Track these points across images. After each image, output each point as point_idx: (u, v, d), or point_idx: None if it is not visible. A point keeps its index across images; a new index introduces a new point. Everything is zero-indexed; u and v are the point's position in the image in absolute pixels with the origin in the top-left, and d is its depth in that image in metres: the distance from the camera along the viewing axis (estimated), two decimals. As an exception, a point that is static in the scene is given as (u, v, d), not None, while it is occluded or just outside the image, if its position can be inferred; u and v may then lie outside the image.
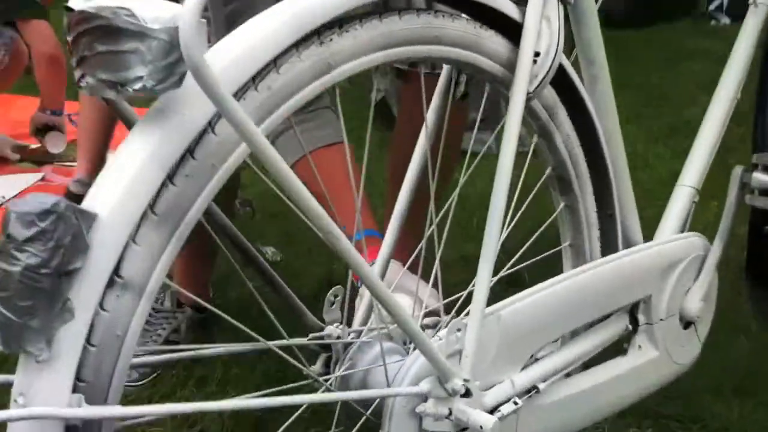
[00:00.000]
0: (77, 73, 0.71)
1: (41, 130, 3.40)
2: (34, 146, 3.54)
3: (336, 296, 1.05)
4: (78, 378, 0.70)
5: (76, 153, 2.71)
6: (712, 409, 1.74)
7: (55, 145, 3.37)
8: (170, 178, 0.72)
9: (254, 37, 0.78)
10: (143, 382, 1.82)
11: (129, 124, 0.78)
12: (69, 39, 0.70)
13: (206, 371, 1.86)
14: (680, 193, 1.44)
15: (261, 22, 0.80)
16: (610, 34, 1.31)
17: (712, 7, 7.09)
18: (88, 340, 0.70)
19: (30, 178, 3.22)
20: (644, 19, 6.78)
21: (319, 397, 0.98)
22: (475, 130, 1.32)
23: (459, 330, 0.96)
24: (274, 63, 0.78)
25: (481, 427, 0.96)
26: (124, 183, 0.71)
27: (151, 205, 0.72)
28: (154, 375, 1.84)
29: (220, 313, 0.92)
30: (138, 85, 0.68)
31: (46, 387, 0.68)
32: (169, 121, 0.72)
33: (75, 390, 0.69)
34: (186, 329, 1.96)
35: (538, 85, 1.02)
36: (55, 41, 3.44)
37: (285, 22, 0.79)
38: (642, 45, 5.87)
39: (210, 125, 0.74)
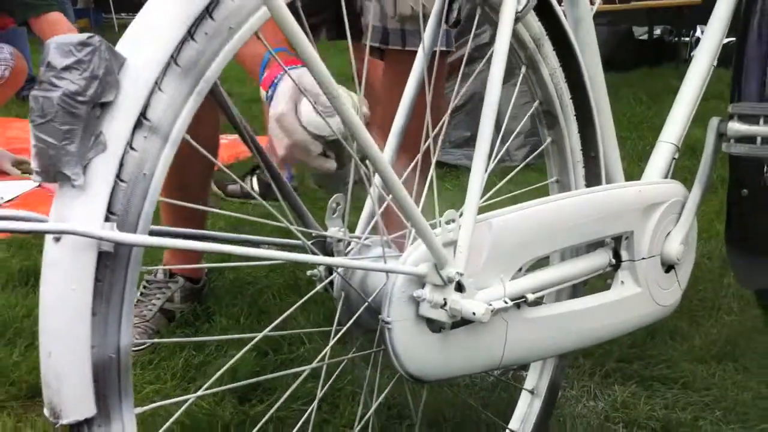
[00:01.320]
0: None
1: None
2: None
3: (338, 204, 1.11)
4: (109, 210, 0.76)
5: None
6: (694, 372, 1.80)
7: None
8: (191, 34, 0.80)
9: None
10: (142, 348, 1.87)
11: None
12: None
13: (204, 336, 1.92)
14: (661, 148, 1.52)
15: None
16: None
17: (694, 53, 7.32)
18: (118, 176, 0.76)
19: (27, 184, 3.29)
20: (628, 65, 7.00)
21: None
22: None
23: (453, 220, 1.03)
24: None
25: (473, 314, 1.02)
26: (150, 33, 0.78)
27: (174, 57, 0.79)
28: (153, 340, 1.89)
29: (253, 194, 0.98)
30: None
31: (81, 213, 0.75)
32: (191, -18, 0.80)
33: (107, 221, 0.76)
34: (180, 298, 2.01)
35: (526, 5, 1.10)
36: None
37: None
38: (626, 85, 6.05)
39: (228, -11, 0.82)
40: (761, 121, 1.49)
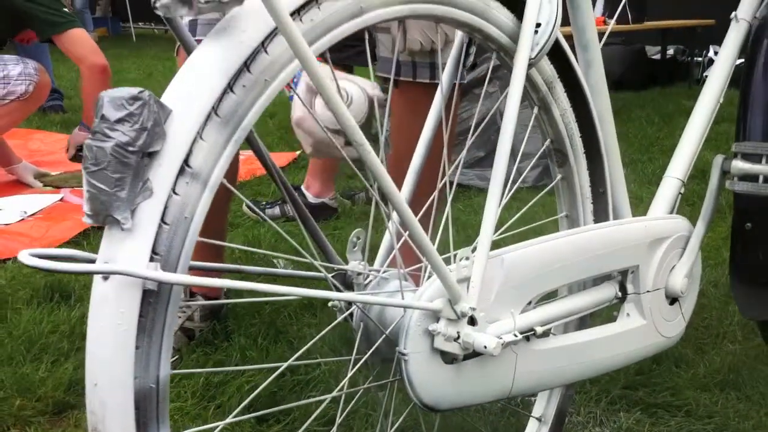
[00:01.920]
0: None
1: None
2: (54, 173, 3.70)
3: (358, 238, 1.18)
4: (153, 251, 0.83)
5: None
6: (697, 400, 1.86)
7: None
8: (231, 87, 0.86)
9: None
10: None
11: (189, 51, 0.92)
12: None
13: (224, 355, 1.98)
14: (667, 183, 1.58)
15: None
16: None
17: (706, 73, 7.38)
18: (162, 219, 0.83)
19: (50, 198, 3.36)
20: (640, 84, 7.07)
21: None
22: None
23: (467, 258, 1.09)
24: (316, 0, 0.93)
25: (485, 347, 1.08)
26: (194, 87, 0.85)
27: (215, 108, 0.86)
28: (175, 358, 1.95)
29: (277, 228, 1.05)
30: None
31: (128, 254, 0.81)
32: (230, 38, 0.87)
33: (151, 261, 0.82)
34: (200, 317, 2.08)
35: (539, 52, 1.16)
36: (98, 49, 3.58)
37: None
38: (639, 105, 6.11)
39: (263, 45, 0.88)
40: (764, 160, 1.55)
